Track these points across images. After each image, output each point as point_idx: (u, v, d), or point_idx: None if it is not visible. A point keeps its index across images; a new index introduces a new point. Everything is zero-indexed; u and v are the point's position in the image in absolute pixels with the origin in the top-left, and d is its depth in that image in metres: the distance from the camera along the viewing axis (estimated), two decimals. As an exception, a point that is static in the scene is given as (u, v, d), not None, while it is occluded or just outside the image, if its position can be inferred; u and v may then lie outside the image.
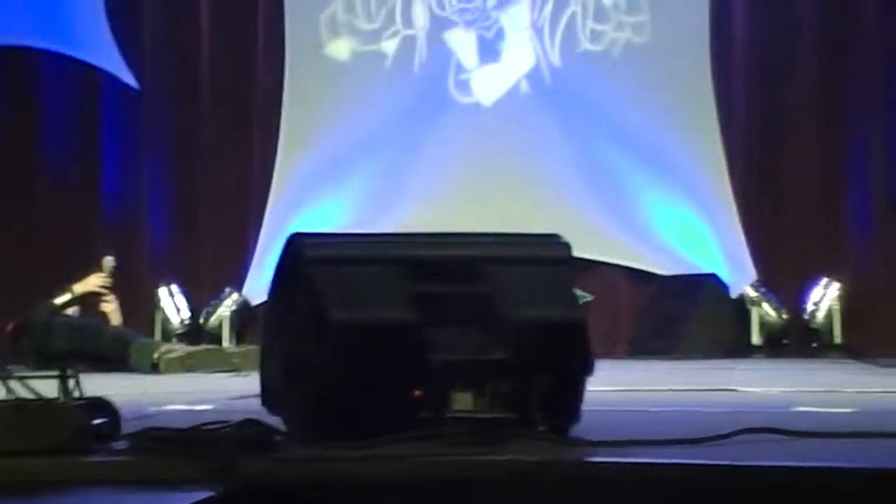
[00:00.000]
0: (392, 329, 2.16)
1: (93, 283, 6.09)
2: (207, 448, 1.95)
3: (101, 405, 2.22)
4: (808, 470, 1.88)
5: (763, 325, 6.79)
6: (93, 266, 6.48)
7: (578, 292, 5.72)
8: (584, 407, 2.31)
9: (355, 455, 2.01)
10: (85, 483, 1.91)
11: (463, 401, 2.13)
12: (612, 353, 6.55)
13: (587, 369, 2.26)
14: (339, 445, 2.07)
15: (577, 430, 2.26)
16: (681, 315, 6.60)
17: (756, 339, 6.79)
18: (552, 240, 2.34)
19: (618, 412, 2.85)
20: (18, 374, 2.19)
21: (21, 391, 2.16)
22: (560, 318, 2.22)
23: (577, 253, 6.98)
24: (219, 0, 7.21)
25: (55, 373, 2.22)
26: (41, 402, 2.05)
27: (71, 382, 2.18)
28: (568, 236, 6.80)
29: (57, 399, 2.12)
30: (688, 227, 6.94)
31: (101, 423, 2.15)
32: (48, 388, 2.18)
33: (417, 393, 2.17)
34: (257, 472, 1.92)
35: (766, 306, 6.81)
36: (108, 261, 6.20)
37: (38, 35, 6.93)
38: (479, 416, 2.12)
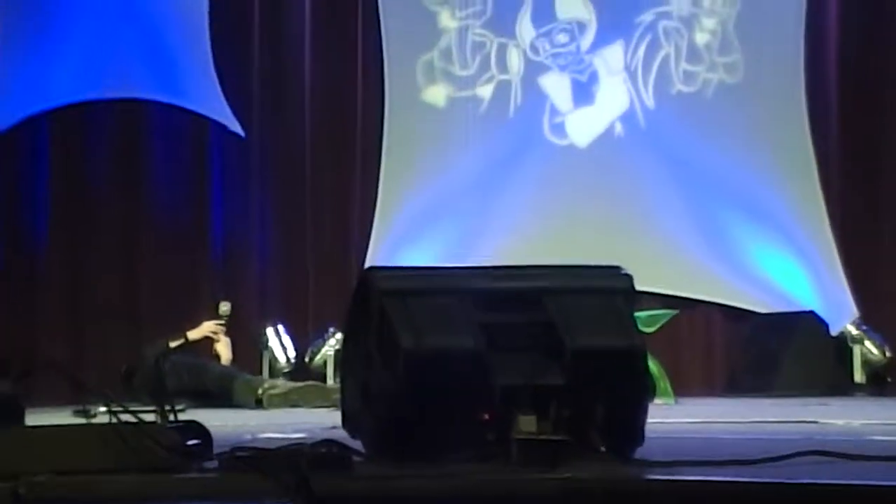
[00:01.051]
0: (458, 356, 2.29)
1: (206, 328, 6.41)
2: (285, 465, 2.10)
3: (194, 428, 2.40)
4: (853, 488, 1.95)
5: (865, 362, 6.72)
6: (204, 310, 6.77)
7: (661, 311, 5.79)
8: (655, 435, 2.40)
9: (423, 473, 2.14)
10: (174, 498, 2.08)
11: (527, 423, 2.24)
12: (707, 391, 6.56)
13: (646, 394, 2.36)
14: (410, 465, 2.21)
15: (640, 452, 2.36)
16: (778, 352, 6.58)
17: (858, 377, 6.72)
18: (613, 271, 2.45)
19: (686, 439, 2.92)
20: (121, 405, 2.33)
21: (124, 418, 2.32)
22: (617, 346, 2.32)
23: (671, 291, 6.97)
24: (321, 48, 7.46)
25: (152, 407, 2.41)
26: (138, 424, 2.22)
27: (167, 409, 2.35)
28: (663, 274, 6.82)
29: (154, 422, 2.29)
30: (786, 264, 6.93)
31: (194, 444, 2.32)
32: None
33: (484, 416, 2.30)
34: (330, 488, 2.06)
35: (868, 344, 6.74)
36: (225, 306, 6.52)
37: (148, 87, 7.25)
38: (542, 437, 2.23)
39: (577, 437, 2.26)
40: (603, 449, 2.27)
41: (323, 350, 7.23)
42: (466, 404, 2.29)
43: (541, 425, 2.25)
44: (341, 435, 2.62)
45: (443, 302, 2.33)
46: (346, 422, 2.58)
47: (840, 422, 3.61)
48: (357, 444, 2.45)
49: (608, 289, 2.41)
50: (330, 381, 7.00)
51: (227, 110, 7.29)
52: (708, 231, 7.02)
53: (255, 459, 2.18)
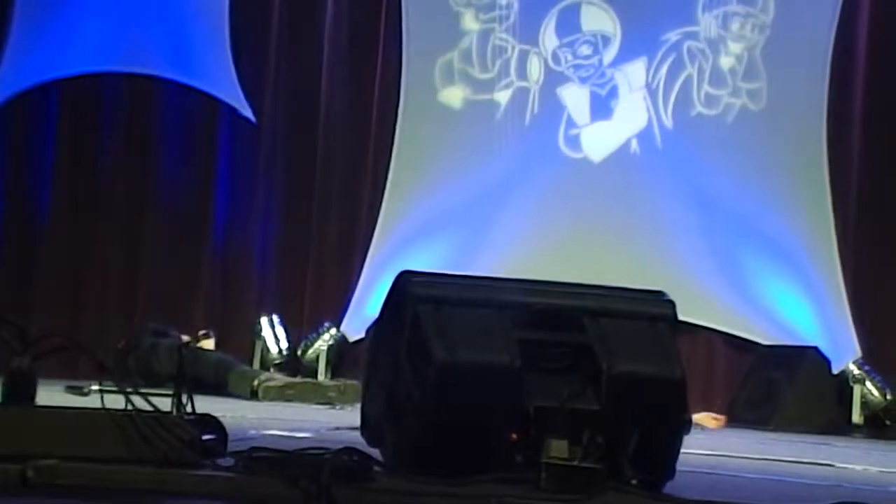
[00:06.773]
0: (493, 372, 2.20)
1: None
2: (307, 473, 2.01)
3: (210, 422, 2.30)
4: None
5: (865, 404, 6.65)
6: (200, 293, 6.70)
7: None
8: (678, 467, 2.32)
9: (449, 492, 2.05)
10: (189, 495, 1.99)
11: (559, 448, 2.15)
12: (705, 419, 6.47)
13: (683, 427, 2.27)
14: (433, 481, 2.11)
15: (670, 487, 2.27)
16: (779, 386, 6.50)
17: (856, 417, 6.65)
18: (657, 297, 2.36)
19: (711, 475, 2.84)
20: (137, 389, 2.24)
21: (137, 403, 2.22)
22: (657, 375, 2.24)
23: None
24: (341, 40, 7.37)
25: (168, 392, 2.31)
26: (155, 414, 2.13)
27: (184, 399, 2.26)
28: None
29: (170, 413, 2.20)
30: (792, 297, 6.86)
31: (210, 439, 2.23)
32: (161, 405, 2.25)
33: (513, 436, 2.21)
34: (351, 500, 1.97)
35: (869, 385, 6.67)
36: (209, 341, 6.42)
37: (163, 64, 7.16)
38: (572, 464, 2.14)
39: (608, 465, 2.17)
40: (634, 482, 2.18)
41: (316, 345, 7.16)
42: (497, 423, 2.20)
43: (572, 451, 2.16)
44: (351, 439, 2.53)
45: (480, 314, 2.24)
46: (366, 428, 2.48)
47: (858, 467, 3.53)
48: (374, 453, 2.35)
49: (651, 314, 2.32)
50: (321, 377, 6.93)
51: (241, 94, 7.20)
52: (715, 257, 6.94)
53: (274, 463, 2.09)
